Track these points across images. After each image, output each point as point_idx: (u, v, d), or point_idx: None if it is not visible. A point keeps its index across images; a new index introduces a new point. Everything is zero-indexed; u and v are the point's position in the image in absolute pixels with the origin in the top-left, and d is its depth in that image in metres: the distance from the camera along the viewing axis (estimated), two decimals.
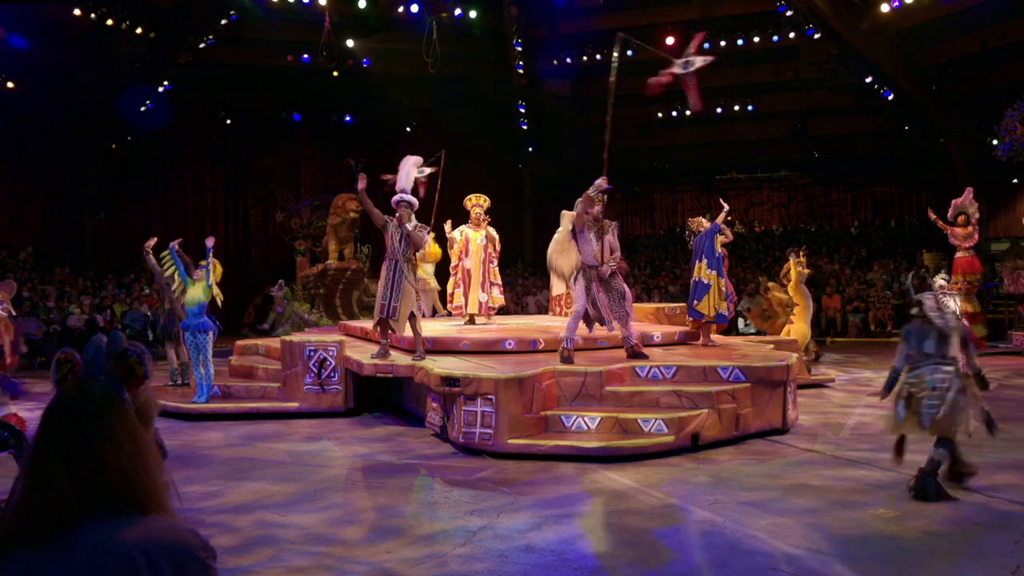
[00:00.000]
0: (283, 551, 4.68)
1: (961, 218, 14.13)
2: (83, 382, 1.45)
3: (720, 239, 9.51)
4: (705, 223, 9.66)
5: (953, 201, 14.29)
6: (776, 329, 11.73)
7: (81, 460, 1.35)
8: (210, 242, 9.67)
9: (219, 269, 9.73)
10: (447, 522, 5.16)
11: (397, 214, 8.38)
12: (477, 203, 11.13)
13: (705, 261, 9.34)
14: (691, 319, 9.66)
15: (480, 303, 10.84)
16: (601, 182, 8.19)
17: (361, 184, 8.36)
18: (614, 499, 5.65)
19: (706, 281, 9.27)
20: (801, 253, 12.05)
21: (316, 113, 23.08)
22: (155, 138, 20.60)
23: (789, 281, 11.80)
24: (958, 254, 14.24)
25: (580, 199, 8.15)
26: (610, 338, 8.79)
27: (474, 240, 10.99)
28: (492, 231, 11.11)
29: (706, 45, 9.55)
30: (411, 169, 8.80)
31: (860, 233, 23.85)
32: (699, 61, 9.31)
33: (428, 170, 10.41)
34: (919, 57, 19.42)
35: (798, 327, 11.50)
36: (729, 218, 10.05)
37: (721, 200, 10.15)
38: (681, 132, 24.41)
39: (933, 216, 14.28)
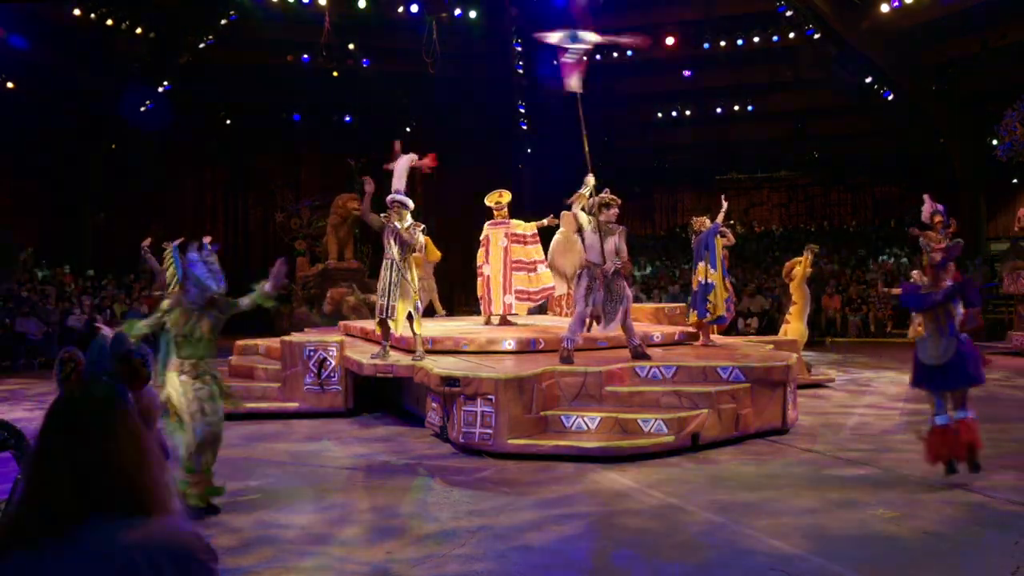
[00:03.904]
0: (283, 551, 4.68)
1: (938, 219, 14.31)
2: (86, 382, 1.46)
3: (722, 241, 9.53)
4: (707, 222, 9.67)
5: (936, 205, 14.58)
6: None
7: (83, 461, 1.35)
8: (207, 240, 9.72)
9: None
10: (447, 522, 5.16)
11: (390, 214, 8.38)
12: (499, 200, 10.58)
13: (707, 262, 9.37)
14: (699, 317, 9.59)
15: (505, 304, 10.38)
16: (589, 179, 8.17)
17: (369, 188, 8.41)
18: (614, 499, 5.65)
19: (711, 281, 9.33)
20: (812, 251, 11.94)
21: (316, 113, 23.09)
22: (155, 138, 20.61)
23: (792, 280, 11.75)
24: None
25: (573, 198, 8.11)
26: (610, 338, 8.79)
27: (495, 241, 10.46)
28: (520, 226, 10.55)
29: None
30: (404, 169, 8.72)
31: (860, 233, 23.86)
32: (589, 36, 8.34)
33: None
34: (919, 57, 19.43)
35: (795, 327, 11.49)
36: (730, 221, 10.01)
37: (722, 197, 10.05)
38: (681, 132, 24.43)
39: (917, 232, 14.51)
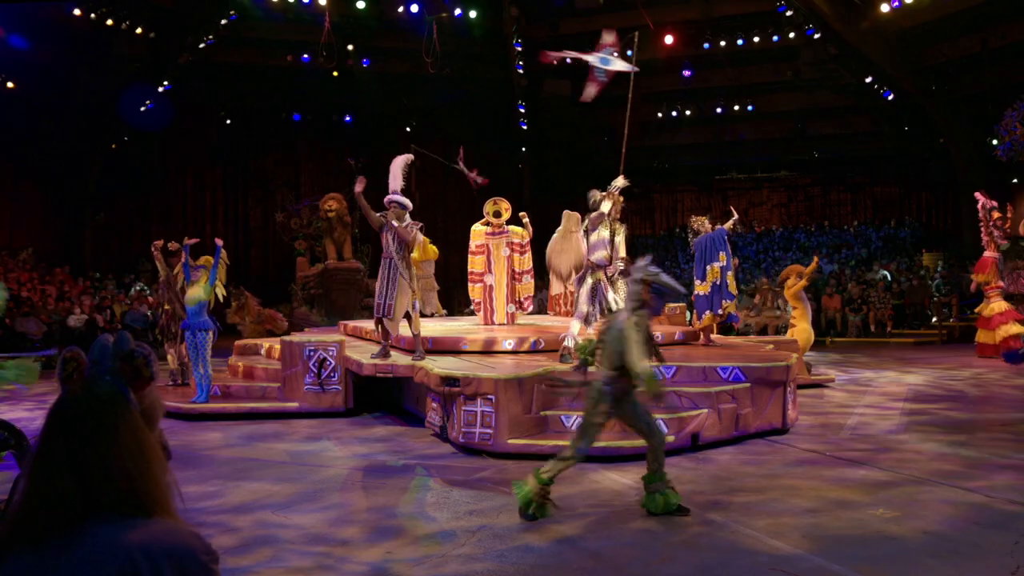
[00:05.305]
0: (283, 551, 4.68)
1: (996, 214, 13.66)
2: (89, 382, 1.45)
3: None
4: (707, 223, 9.63)
5: (991, 202, 13.83)
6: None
7: (85, 461, 1.35)
8: (219, 242, 9.86)
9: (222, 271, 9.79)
10: (447, 522, 5.16)
11: (387, 214, 8.39)
12: (496, 208, 10.57)
13: (720, 264, 9.33)
14: (712, 312, 9.51)
15: (508, 314, 10.54)
16: (620, 180, 8.23)
17: (359, 187, 8.39)
18: (614, 499, 5.66)
19: (725, 279, 9.33)
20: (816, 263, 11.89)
21: (316, 113, 23.12)
22: (155, 138, 20.63)
23: (786, 289, 11.69)
24: (993, 253, 13.65)
25: (602, 196, 8.02)
26: None
27: (496, 251, 10.48)
28: (518, 234, 10.59)
29: (629, 52, 9.42)
30: (400, 170, 8.72)
31: (860, 233, 23.87)
32: (619, 64, 8.94)
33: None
34: (919, 57, 19.43)
35: (801, 327, 11.48)
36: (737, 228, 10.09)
37: (732, 208, 10.03)
38: (681, 132, 24.44)
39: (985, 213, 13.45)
